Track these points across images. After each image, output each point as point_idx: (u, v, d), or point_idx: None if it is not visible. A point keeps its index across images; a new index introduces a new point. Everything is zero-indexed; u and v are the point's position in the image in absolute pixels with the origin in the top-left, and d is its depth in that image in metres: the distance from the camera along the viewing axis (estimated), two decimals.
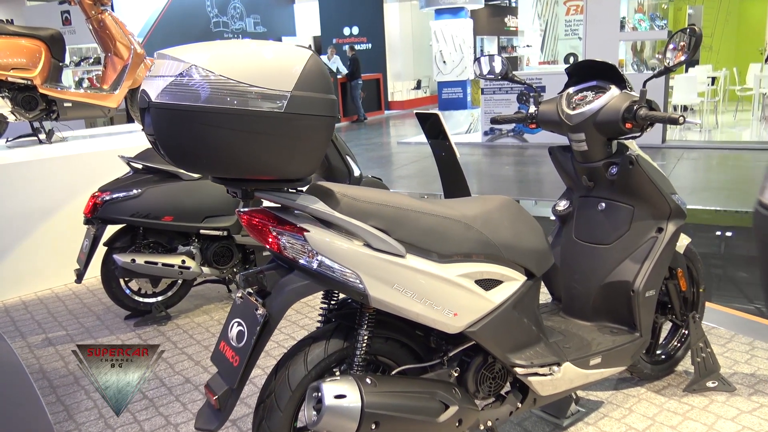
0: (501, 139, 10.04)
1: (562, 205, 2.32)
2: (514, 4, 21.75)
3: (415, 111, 3.86)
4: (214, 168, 1.44)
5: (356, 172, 3.77)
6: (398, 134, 12.81)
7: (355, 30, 17.43)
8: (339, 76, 14.54)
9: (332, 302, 1.77)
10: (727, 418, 2.21)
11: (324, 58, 15.30)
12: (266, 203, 1.58)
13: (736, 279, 3.82)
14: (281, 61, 1.41)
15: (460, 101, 11.48)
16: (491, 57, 2.39)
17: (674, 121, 1.85)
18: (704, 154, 8.43)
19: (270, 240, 1.52)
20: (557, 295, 2.41)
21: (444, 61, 11.17)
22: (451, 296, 1.65)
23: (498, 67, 2.38)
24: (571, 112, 2.11)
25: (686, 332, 2.50)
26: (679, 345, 2.52)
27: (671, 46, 1.94)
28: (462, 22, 11.18)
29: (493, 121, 2.43)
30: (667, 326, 2.54)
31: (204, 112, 1.32)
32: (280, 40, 18.67)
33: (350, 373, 1.61)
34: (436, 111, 3.62)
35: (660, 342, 2.51)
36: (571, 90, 2.20)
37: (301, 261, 1.51)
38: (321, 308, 1.79)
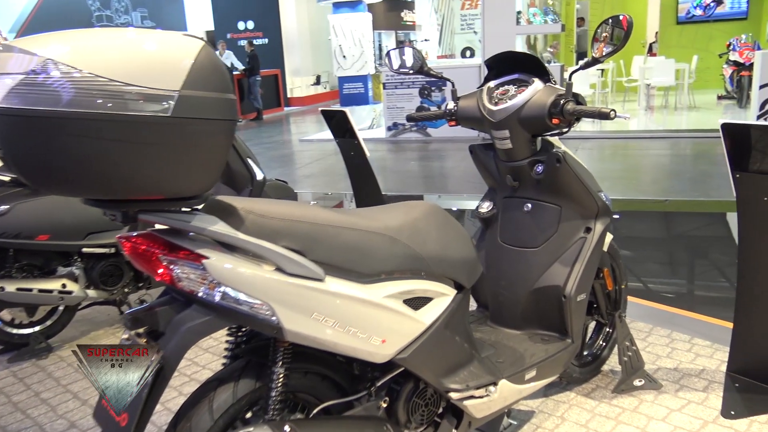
0: (405, 134, 9.98)
1: (485, 206, 2.18)
2: None
3: (320, 109, 3.64)
4: (84, 188, 1.15)
5: (259, 176, 3.50)
6: (300, 131, 12.48)
7: (251, 24, 16.87)
8: (235, 72, 13.99)
9: (240, 335, 1.52)
10: (658, 418, 2.15)
11: (215, 53, 14.67)
12: (156, 224, 1.32)
13: (648, 269, 3.87)
14: (166, 54, 1.15)
15: (362, 96, 11.34)
16: (402, 50, 2.21)
17: (605, 116, 1.74)
18: (598, 144, 8.73)
19: (160, 271, 1.26)
20: (483, 302, 2.28)
21: (344, 56, 10.96)
22: (379, 321, 1.45)
23: (410, 60, 2.21)
24: (494, 108, 1.96)
25: (610, 331, 2.44)
26: (604, 344, 2.46)
27: (595, 38, 1.84)
28: (361, 16, 11.02)
29: (410, 118, 2.25)
30: (591, 325, 2.47)
31: (67, 118, 1.04)
32: None
33: (265, 419, 1.37)
34: (342, 108, 3.41)
35: (585, 342, 2.44)
36: (491, 84, 2.06)
37: (201, 293, 1.26)
38: (227, 342, 1.54)
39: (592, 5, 14.70)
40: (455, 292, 1.67)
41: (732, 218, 5.35)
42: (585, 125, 9.95)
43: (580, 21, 15.15)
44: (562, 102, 1.84)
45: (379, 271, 1.46)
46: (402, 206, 1.70)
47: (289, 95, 17.02)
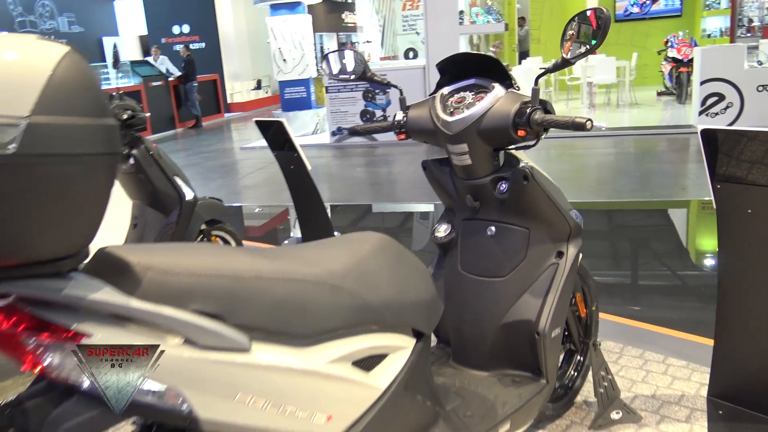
0: (350, 139, 9.68)
1: (443, 230, 1.91)
2: (350, 0, 21.59)
3: (254, 119, 3.31)
4: None
5: (188, 196, 3.16)
6: (241, 138, 12.02)
7: (186, 28, 16.25)
8: (171, 78, 13.40)
9: (147, 427, 1.21)
10: None
11: (149, 59, 14.05)
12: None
13: (613, 284, 3.70)
14: (10, 67, 0.84)
15: (304, 101, 10.99)
16: (342, 53, 1.93)
17: (580, 127, 1.50)
18: (544, 144, 8.59)
19: (27, 357, 0.94)
20: (444, 336, 2.01)
21: (284, 60, 10.59)
22: (322, 394, 1.16)
23: (351, 64, 1.92)
24: (449, 119, 1.70)
25: (582, 359, 2.21)
26: (576, 374, 2.23)
27: (563, 37, 1.59)
28: (300, 18, 10.65)
29: (353, 132, 1.97)
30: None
31: None
32: (100, 40, 17.00)
33: None
34: (279, 118, 3.10)
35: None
36: (445, 90, 1.79)
37: (84, 382, 0.95)
38: None
39: (532, 4, 14.74)
40: (414, 341, 1.40)
41: (674, 213, 5.30)
42: None
43: (521, 20, 15.19)
44: (528, 111, 1.59)
45: (320, 331, 1.18)
46: (345, 242, 1.42)
47: (229, 101, 16.47)
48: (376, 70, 8.01)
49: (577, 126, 1.50)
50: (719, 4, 14.44)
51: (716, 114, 8.13)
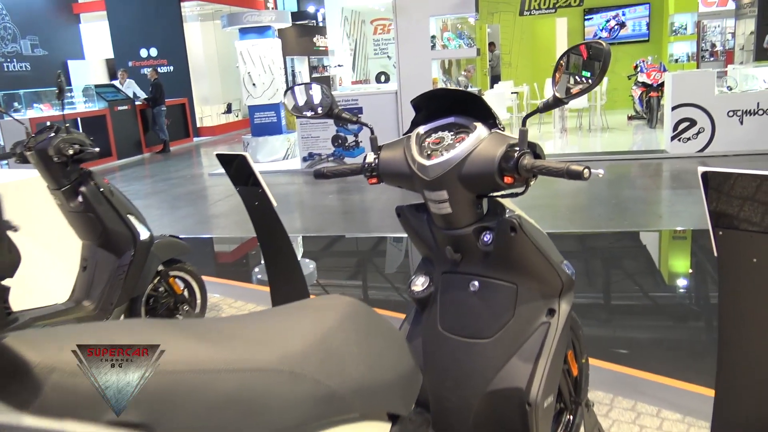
0: (322, 165, 9.48)
1: (420, 284, 1.71)
2: (321, 24, 21.54)
3: (215, 153, 3.10)
4: None
5: (143, 235, 2.92)
6: (210, 164, 11.73)
7: (154, 51, 15.96)
8: (138, 102, 13.09)
9: None
10: None
11: (116, 83, 13.73)
12: None
13: (597, 323, 3.53)
14: None
15: (275, 126, 10.77)
16: (308, 86, 1.73)
17: (576, 175, 1.32)
18: None
19: None
20: (422, 399, 1.80)
21: (253, 84, 10.37)
22: None
23: (317, 97, 1.73)
24: (426, 162, 1.51)
25: (572, 418, 2.02)
26: None
27: (555, 74, 1.42)
28: (269, 42, 10.47)
29: (318, 174, 1.77)
30: None
31: None
32: (65, 64, 16.63)
33: None
34: (242, 152, 2.89)
35: None
36: (421, 130, 1.61)
37: None
38: None
39: (503, 29, 14.82)
40: (389, 425, 1.19)
41: (645, 236, 5.19)
42: None
43: (491, 45, 15.26)
44: (515, 155, 1.41)
45: (275, 431, 0.96)
46: (307, 311, 1.21)
47: (198, 125, 16.18)
48: (347, 94, 7.90)
49: (572, 174, 1.32)
50: (685, 30, 14.69)
51: (688, 139, 8.14)
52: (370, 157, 1.65)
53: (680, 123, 8.13)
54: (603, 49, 1.34)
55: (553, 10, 14.12)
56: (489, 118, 1.54)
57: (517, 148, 1.42)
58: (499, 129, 1.52)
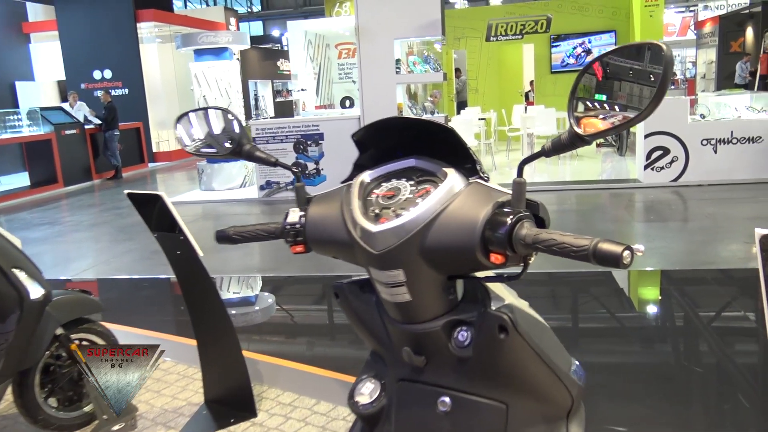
0: (279, 194, 8.95)
1: (368, 392, 1.20)
2: (286, 48, 21.11)
3: (126, 192, 2.57)
4: None
5: (33, 294, 2.37)
6: (167, 191, 11.07)
7: (108, 73, 15.28)
8: (88, 126, 12.38)
9: None
10: None
11: (65, 105, 13.02)
12: None
13: None
14: None
15: None
16: (206, 113, 1.23)
17: (612, 260, 0.84)
18: None
19: None
20: None
21: None
22: None
23: (218, 128, 1.23)
24: (373, 228, 1.01)
25: None
26: None
27: (579, 109, 0.96)
28: (226, 65, 9.96)
29: (222, 237, 1.25)
30: None
31: None
32: (13, 85, 15.85)
33: None
34: (157, 192, 2.36)
35: None
36: (366, 177, 1.12)
37: None
38: None
39: (469, 55, 14.59)
40: None
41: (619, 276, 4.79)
42: None
43: (458, 71, 15.02)
44: (509, 220, 0.92)
45: None
46: None
47: (154, 149, 15.48)
48: (308, 119, 7.33)
49: (603, 258, 0.84)
50: None
51: (662, 168, 7.86)
52: (293, 216, 1.14)
53: (653, 151, 7.85)
54: (664, 53, 0.87)
55: (520, 37, 13.94)
56: (466, 162, 1.06)
57: (510, 210, 0.94)
58: (482, 178, 1.03)
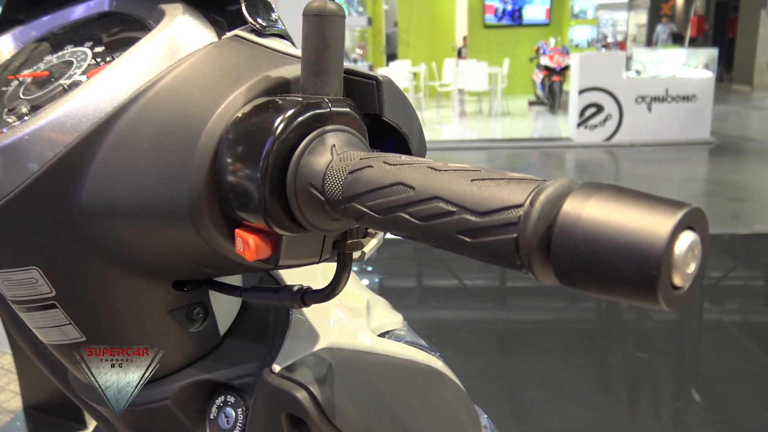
0: None
1: None
2: None
3: None
4: None
5: None
6: None
7: None
8: None
9: None
10: None
11: None
12: None
13: None
14: None
15: None
16: None
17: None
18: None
19: None
20: None
21: None
22: None
23: None
24: None
25: None
26: None
27: None
28: None
29: None
30: None
31: None
32: None
33: None
34: None
35: None
36: (8, 42, 0.48)
37: None
38: None
39: (400, 6, 13.87)
40: None
41: None
42: None
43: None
44: (286, 129, 0.32)
45: None
46: None
47: None
48: None
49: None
50: (585, 14, 14.41)
51: (595, 126, 7.50)
52: None
53: (587, 109, 7.47)
54: None
55: None
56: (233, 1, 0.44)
57: (297, 100, 0.33)
58: (256, 31, 0.42)
